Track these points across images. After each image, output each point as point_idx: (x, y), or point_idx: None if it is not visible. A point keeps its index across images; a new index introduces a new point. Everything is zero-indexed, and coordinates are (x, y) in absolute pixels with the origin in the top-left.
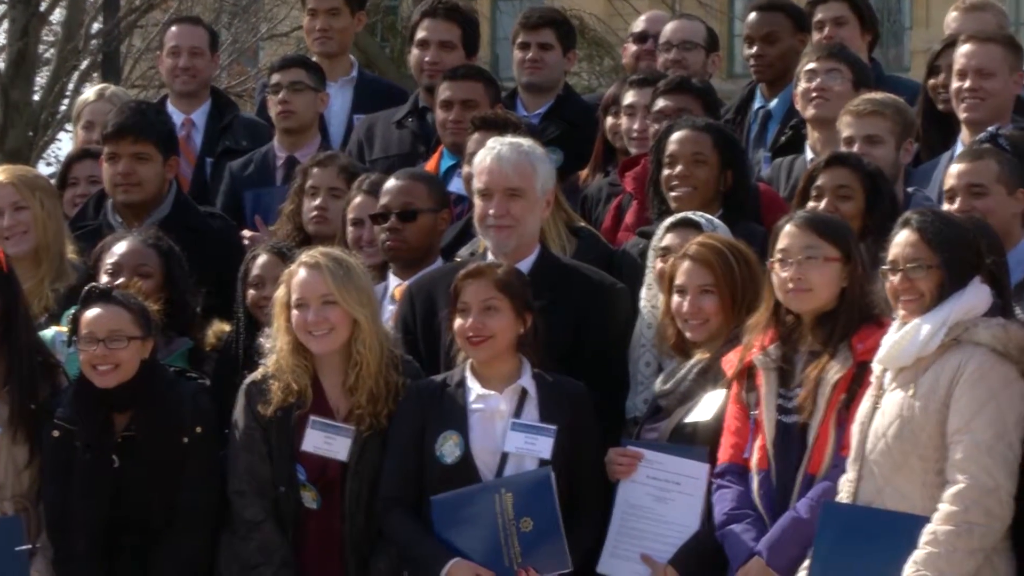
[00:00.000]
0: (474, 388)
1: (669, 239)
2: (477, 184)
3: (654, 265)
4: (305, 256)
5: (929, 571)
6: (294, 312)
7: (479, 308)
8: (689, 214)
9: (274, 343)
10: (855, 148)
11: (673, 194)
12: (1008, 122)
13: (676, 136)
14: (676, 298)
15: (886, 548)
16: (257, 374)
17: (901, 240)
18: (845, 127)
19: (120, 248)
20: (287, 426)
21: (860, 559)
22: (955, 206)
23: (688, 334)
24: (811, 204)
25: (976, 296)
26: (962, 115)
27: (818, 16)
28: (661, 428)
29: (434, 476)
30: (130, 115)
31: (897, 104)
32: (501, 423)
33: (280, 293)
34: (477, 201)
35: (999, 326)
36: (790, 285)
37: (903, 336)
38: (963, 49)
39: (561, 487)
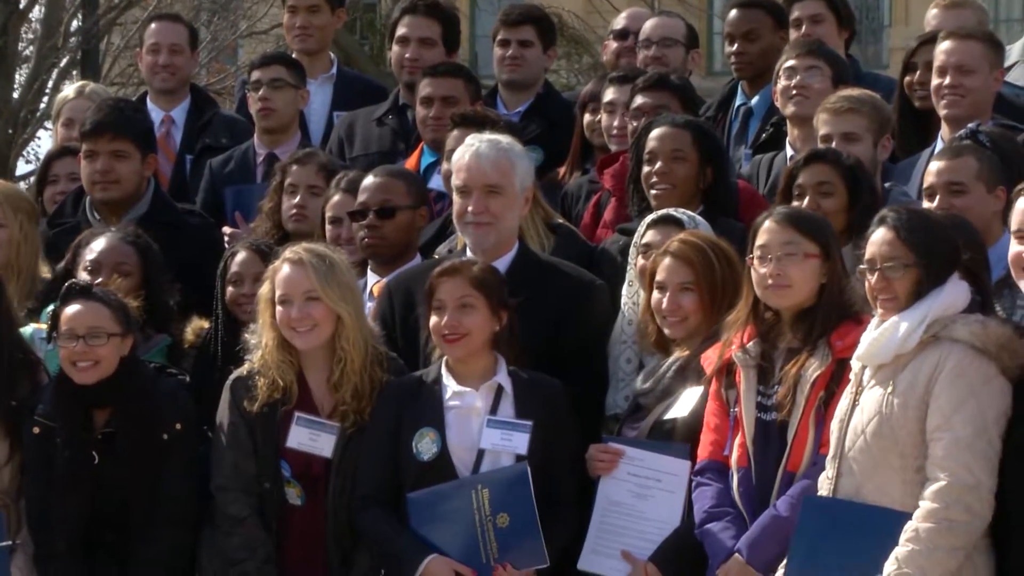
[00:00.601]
0: (450, 385)
1: (650, 236)
2: (456, 181)
3: (635, 262)
4: (289, 252)
5: (910, 568)
6: (278, 308)
7: (454, 305)
8: (671, 211)
9: (259, 339)
10: (833, 146)
11: (653, 192)
12: (988, 119)
13: (656, 133)
14: (656, 294)
15: (866, 542)
16: (243, 370)
17: (877, 239)
18: (822, 124)
19: (99, 245)
20: (272, 422)
21: (839, 554)
22: (935, 204)
23: (667, 331)
24: (794, 202)
25: (955, 293)
26: (942, 112)
27: (795, 14)
28: (641, 426)
29: (411, 473)
30: (108, 113)
31: (873, 100)
32: (477, 420)
33: (264, 289)
34: (456, 198)
35: (978, 323)
36: (769, 281)
37: (881, 333)
38: (943, 46)
39: (537, 483)
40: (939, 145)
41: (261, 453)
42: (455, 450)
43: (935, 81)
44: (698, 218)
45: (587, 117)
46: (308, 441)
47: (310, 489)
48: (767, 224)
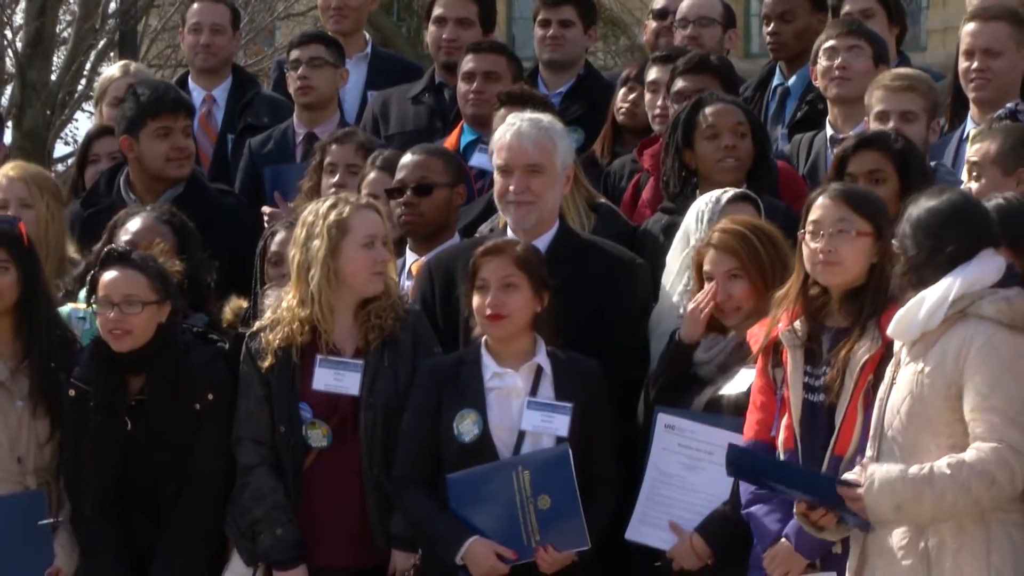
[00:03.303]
0: (490, 366)
1: (729, 211)
2: (497, 160)
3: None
4: (352, 197)
5: (936, 484)
6: (361, 250)
7: (498, 285)
8: (747, 191)
9: (283, 292)
10: (890, 124)
11: (721, 165)
12: (1016, 98)
13: (714, 109)
14: (707, 286)
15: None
16: (256, 326)
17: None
18: (877, 102)
19: (134, 225)
20: (288, 365)
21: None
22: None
23: (724, 321)
24: None
25: (982, 268)
26: (971, 94)
27: (845, 8)
28: (696, 400)
29: (451, 454)
30: (173, 91)
31: (929, 81)
32: (518, 401)
33: (328, 232)
34: (497, 177)
35: (1003, 299)
36: (820, 257)
37: (907, 310)
38: (968, 28)
39: (577, 464)
40: (969, 126)
41: (276, 397)
42: (496, 431)
43: (962, 64)
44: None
45: (621, 93)
46: (333, 381)
47: (339, 429)
48: (821, 200)
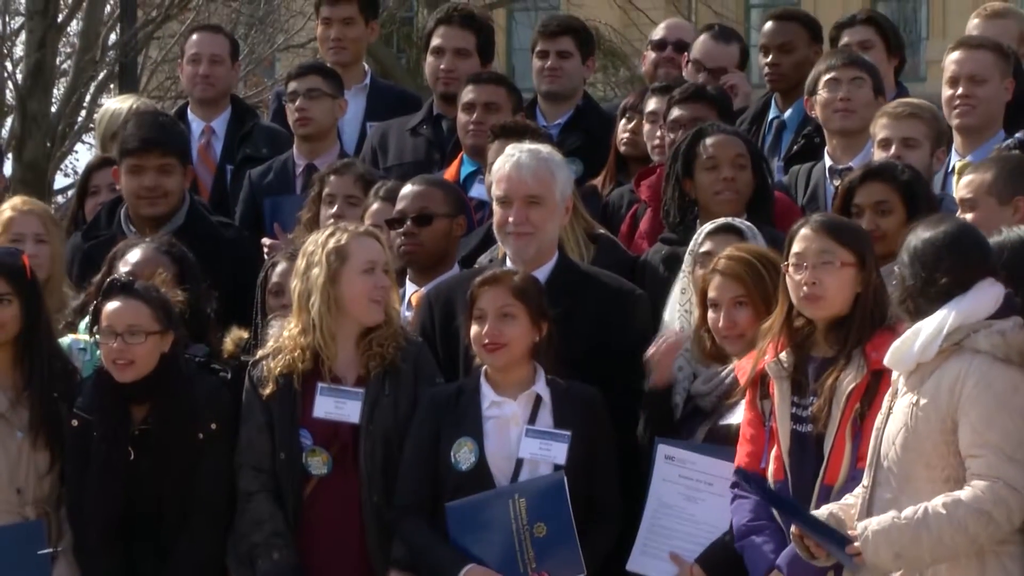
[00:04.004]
0: (488, 395)
1: (708, 245)
2: (496, 191)
3: (691, 270)
4: (351, 226)
5: (931, 526)
6: (360, 278)
7: (495, 315)
8: (731, 220)
9: (299, 315)
10: (891, 151)
11: (719, 198)
12: (999, 129)
13: (714, 140)
14: (711, 313)
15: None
16: (258, 354)
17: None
18: (881, 129)
19: (134, 256)
20: (289, 392)
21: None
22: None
23: (727, 348)
24: None
25: (979, 299)
26: (954, 122)
27: (844, 40)
28: (697, 431)
29: (449, 483)
30: (152, 128)
31: (933, 111)
32: (516, 429)
33: (327, 261)
34: (496, 208)
35: (998, 333)
36: (804, 290)
37: (904, 340)
38: (953, 56)
39: (577, 493)
40: (953, 158)
41: (277, 424)
42: (493, 459)
43: (946, 92)
44: (754, 228)
45: (622, 124)
46: (334, 409)
47: (339, 457)
48: (803, 232)
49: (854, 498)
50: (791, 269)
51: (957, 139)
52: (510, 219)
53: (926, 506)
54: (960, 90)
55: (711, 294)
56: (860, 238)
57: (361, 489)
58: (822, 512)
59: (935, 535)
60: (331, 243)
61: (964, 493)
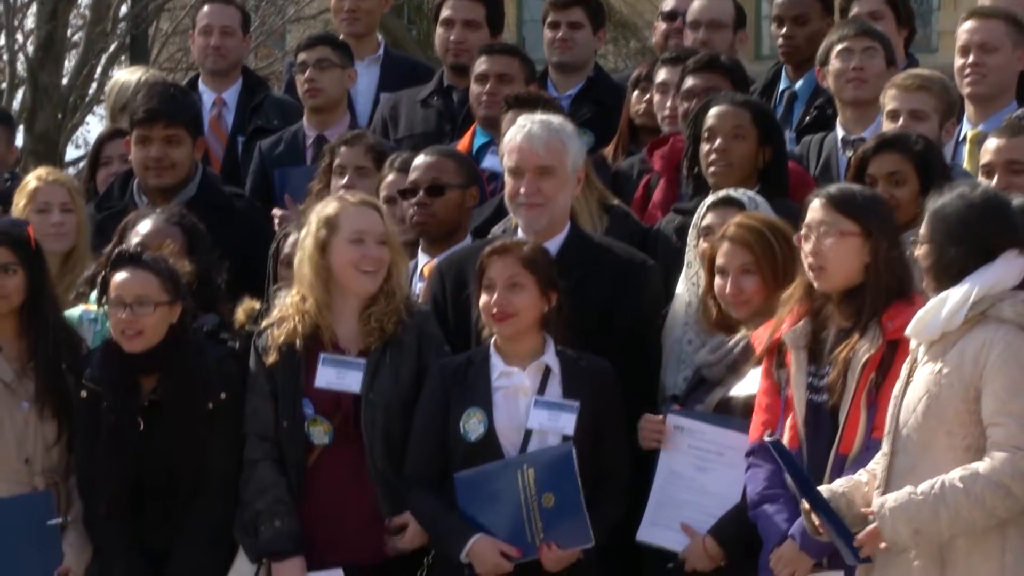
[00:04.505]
0: (498, 365)
1: (710, 218)
2: (508, 162)
3: (695, 244)
4: (349, 195)
5: (949, 501)
6: (349, 248)
7: (504, 285)
8: (731, 192)
9: (299, 284)
10: (899, 122)
11: (711, 170)
12: (1012, 99)
13: (715, 111)
14: (718, 280)
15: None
16: (263, 324)
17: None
18: (890, 100)
19: (145, 227)
20: (292, 361)
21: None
22: (995, 182)
23: (733, 313)
24: None
25: (1004, 270)
26: (965, 91)
27: (854, 11)
28: (707, 401)
29: (458, 453)
30: (160, 99)
31: (944, 82)
32: (525, 400)
33: (318, 230)
34: (508, 179)
35: (1022, 303)
36: (809, 260)
37: (927, 310)
38: (965, 26)
39: (585, 463)
40: (965, 127)
41: (280, 393)
42: (502, 430)
43: (958, 61)
44: (758, 198)
45: (635, 95)
46: (335, 379)
47: (341, 426)
48: (813, 203)
49: (867, 474)
50: (803, 241)
51: (969, 108)
52: (521, 190)
53: (943, 480)
54: (971, 59)
55: (719, 261)
56: (867, 208)
57: (365, 458)
58: (833, 487)
59: (953, 509)
60: (324, 212)
61: (982, 466)
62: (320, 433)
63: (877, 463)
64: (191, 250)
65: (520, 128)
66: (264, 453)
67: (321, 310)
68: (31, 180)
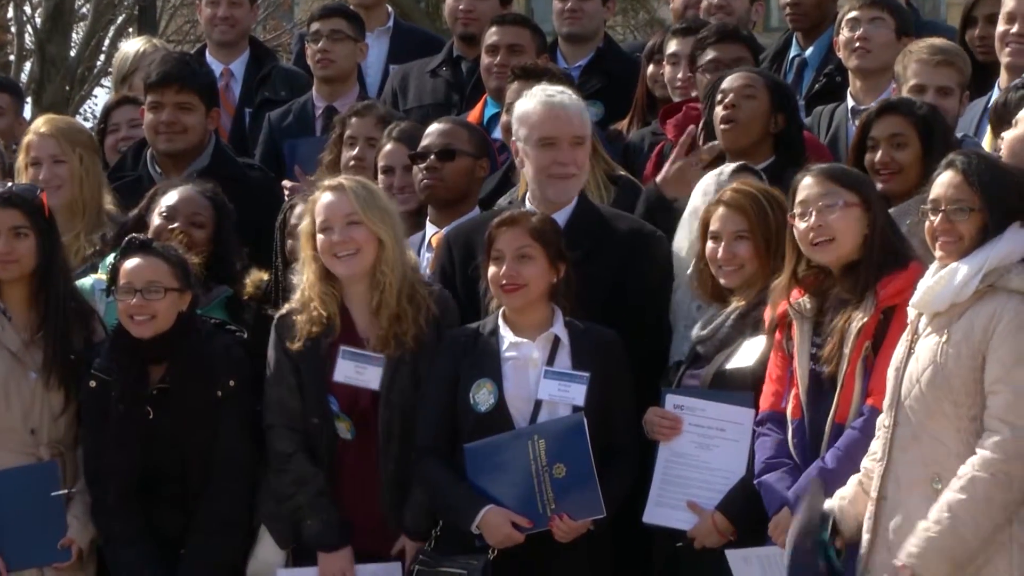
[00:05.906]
0: (507, 336)
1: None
2: (539, 133)
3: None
4: (327, 181)
5: (963, 516)
6: (319, 237)
7: (513, 256)
8: (749, 164)
9: (301, 276)
10: (926, 98)
11: (722, 127)
12: None
13: (730, 77)
14: (711, 244)
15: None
16: (285, 308)
17: (944, 180)
18: (913, 75)
19: (176, 194)
20: (317, 356)
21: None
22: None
23: (723, 280)
24: (867, 155)
25: (1013, 242)
26: (1004, 59)
27: None
28: (701, 375)
29: (468, 424)
30: (174, 65)
31: (963, 54)
32: (534, 371)
33: (305, 223)
34: (538, 151)
35: None
36: (812, 235)
37: (937, 281)
38: None
39: (594, 434)
40: (995, 94)
41: (307, 388)
42: (512, 401)
43: (1001, 27)
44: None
45: (651, 69)
46: (355, 374)
47: (360, 423)
48: (805, 180)
49: (857, 485)
50: (797, 219)
51: (1003, 76)
52: (558, 160)
53: (945, 502)
54: (1016, 27)
55: (713, 225)
56: (863, 180)
57: (378, 457)
58: (840, 503)
59: (971, 523)
60: (306, 207)
61: (973, 466)
62: (343, 430)
63: (878, 439)
64: (218, 225)
65: (550, 98)
66: (296, 445)
67: (325, 299)
68: (30, 132)
